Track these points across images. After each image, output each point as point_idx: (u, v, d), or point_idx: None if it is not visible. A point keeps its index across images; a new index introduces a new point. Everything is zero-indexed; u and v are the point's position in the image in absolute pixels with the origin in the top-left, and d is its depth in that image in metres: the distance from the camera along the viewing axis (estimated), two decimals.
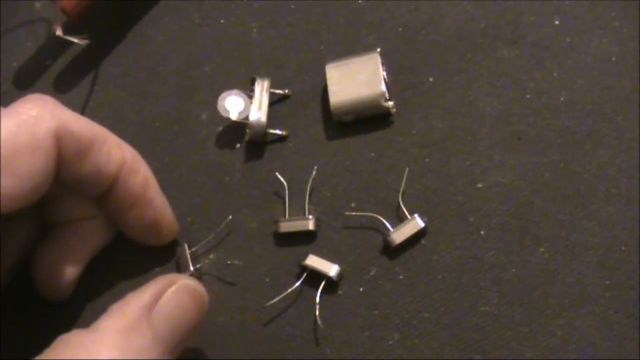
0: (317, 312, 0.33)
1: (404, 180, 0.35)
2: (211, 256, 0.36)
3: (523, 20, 0.38)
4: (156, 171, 0.36)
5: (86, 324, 0.28)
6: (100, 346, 0.27)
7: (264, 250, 0.36)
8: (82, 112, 0.41)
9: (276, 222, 0.36)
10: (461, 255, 0.34)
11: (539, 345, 0.32)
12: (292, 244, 0.36)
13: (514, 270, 0.33)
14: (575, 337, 0.32)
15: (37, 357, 0.26)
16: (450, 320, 0.33)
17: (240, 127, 0.38)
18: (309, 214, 0.36)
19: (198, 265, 0.36)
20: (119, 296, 0.30)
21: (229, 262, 0.36)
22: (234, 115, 0.37)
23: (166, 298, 0.30)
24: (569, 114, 0.35)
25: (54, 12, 0.39)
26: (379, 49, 0.37)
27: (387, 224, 0.34)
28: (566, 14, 0.37)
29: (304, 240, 0.35)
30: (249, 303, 0.35)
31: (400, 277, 0.34)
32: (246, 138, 0.38)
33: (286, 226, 0.35)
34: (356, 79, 0.37)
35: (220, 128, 0.39)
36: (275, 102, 0.39)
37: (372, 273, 0.34)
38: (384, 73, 0.37)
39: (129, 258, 0.37)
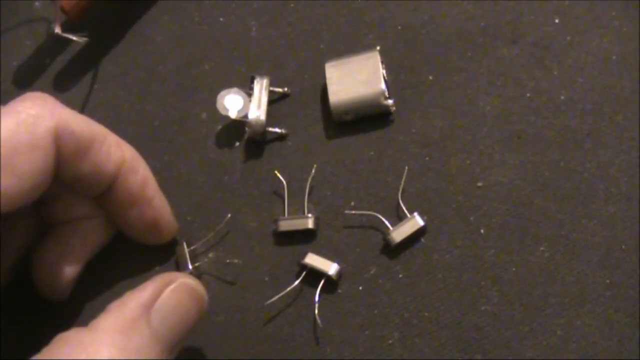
0: (317, 311, 0.33)
1: (403, 179, 0.35)
2: (210, 255, 0.36)
3: (523, 19, 0.38)
4: (156, 170, 0.36)
5: (85, 323, 0.28)
6: (99, 345, 0.26)
7: (263, 249, 0.36)
8: (82, 111, 0.41)
9: (276, 221, 0.36)
10: (461, 254, 0.34)
11: (539, 344, 0.32)
12: (292, 243, 0.36)
13: (514, 269, 0.33)
14: (576, 336, 0.32)
15: (36, 356, 0.26)
16: (451, 320, 0.33)
17: (239, 125, 0.38)
18: (309, 212, 0.35)
19: (197, 264, 0.36)
20: (118, 295, 0.29)
21: (228, 261, 0.36)
22: (233, 114, 0.37)
23: (165, 297, 0.29)
24: (569, 113, 0.35)
25: (54, 11, 0.39)
26: (378, 47, 0.37)
27: (387, 223, 0.34)
28: (566, 13, 0.37)
29: (304, 239, 0.35)
30: (249, 302, 0.35)
31: (400, 276, 0.34)
32: (245, 137, 0.38)
33: (286, 225, 0.35)
34: (356, 78, 0.36)
35: (220, 127, 0.39)
36: (274, 100, 0.39)
37: (371, 272, 0.34)
38: (384, 72, 0.37)
39: (128, 257, 0.37)
